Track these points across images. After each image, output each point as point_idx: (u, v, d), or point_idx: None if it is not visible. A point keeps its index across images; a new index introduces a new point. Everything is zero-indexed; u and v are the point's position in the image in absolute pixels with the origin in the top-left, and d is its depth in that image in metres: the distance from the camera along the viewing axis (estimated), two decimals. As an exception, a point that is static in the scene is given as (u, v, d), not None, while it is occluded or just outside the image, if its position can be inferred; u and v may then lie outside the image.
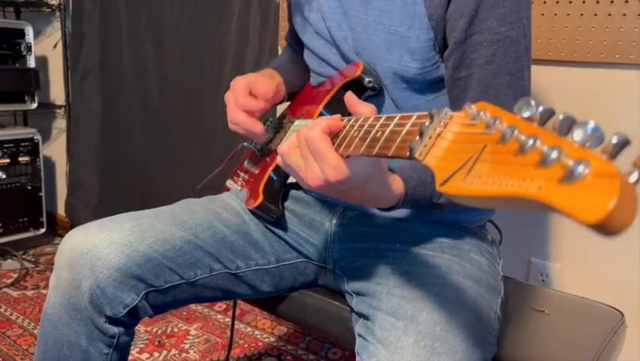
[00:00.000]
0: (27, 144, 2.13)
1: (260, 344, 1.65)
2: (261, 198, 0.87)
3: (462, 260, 0.80)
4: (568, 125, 0.33)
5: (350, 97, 0.63)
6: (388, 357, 0.64)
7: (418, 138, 0.44)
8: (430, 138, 0.43)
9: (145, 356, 1.56)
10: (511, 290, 0.95)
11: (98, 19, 2.09)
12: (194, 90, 1.87)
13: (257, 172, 0.96)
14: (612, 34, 1.13)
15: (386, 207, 0.70)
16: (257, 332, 1.72)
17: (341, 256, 0.89)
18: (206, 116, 1.83)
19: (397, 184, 0.68)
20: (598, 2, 1.14)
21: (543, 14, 1.20)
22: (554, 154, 0.31)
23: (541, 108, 0.35)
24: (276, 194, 0.91)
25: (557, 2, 1.18)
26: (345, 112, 0.63)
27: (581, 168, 0.30)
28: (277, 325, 1.76)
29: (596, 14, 1.14)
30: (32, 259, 2.21)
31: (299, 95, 1.02)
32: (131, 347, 0.89)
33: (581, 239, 1.26)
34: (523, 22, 0.77)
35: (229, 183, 1.05)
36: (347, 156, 0.57)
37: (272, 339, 1.68)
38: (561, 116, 0.33)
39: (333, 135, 0.59)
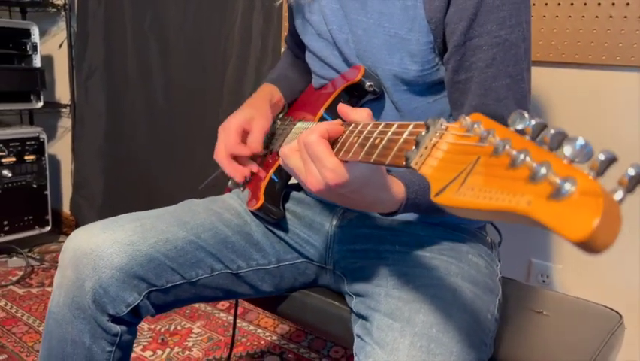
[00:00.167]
0: (33, 142, 2.15)
1: (262, 342, 1.67)
2: (262, 200, 0.88)
3: (460, 262, 0.81)
4: (559, 140, 0.33)
5: (342, 107, 0.64)
6: (384, 358, 0.65)
7: (414, 147, 0.45)
8: (426, 148, 0.44)
9: (148, 353, 1.58)
10: (510, 291, 0.96)
11: (102, 18, 2.11)
12: (198, 90, 1.89)
13: (258, 173, 0.97)
14: (613, 37, 1.13)
15: (388, 211, 0.70)
16: (259, 331, 1.73)
17: (341, 257, 0.90)
18: (210, 115, 1.84)
19: (398, 188, 0.68)
20: (599, 4, 1.14)
21: (545, 16, 1.21)
22: (543, 170, 0.32)
23: (533, 122, 0.36)
24: (277, 196, 0.91)
25: (559, 4, 1.19)
26: None
27: (567, 186, 0.30)
28: (279, 323, 1.77)
29: (597, 16, 1.15)
30: (37, 257, 2.23)
31: (301, 97, 1.03)
32: (135, 345, 0.90)
33: (582, 240, 1.26)
34: (523, 25, 0.77)
35: (231, 183, 1.06)
36: (346, 161, 0.58)
37: (274, 338, 1.69)
38: (552, 131, 0.34)
39: (333, 140, 0.59)
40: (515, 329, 0.86)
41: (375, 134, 0.53)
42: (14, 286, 1.99)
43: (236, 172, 0.89)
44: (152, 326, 1.72)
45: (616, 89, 1.17)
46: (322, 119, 0.88)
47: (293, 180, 0.90)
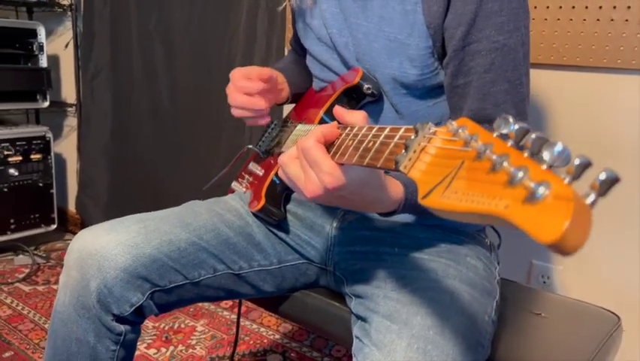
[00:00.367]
0: (39, 141, 2.17)
1: (265, 341, 1.68)
2: (263, 202, 0.90)
3: (458, 264, 0.82)
4: (539, 145, 0.34)
5: (338, 110, 0.65)
6: (382, 359, 0.66)
7: (403, 151, 0.46)
8: (415, 152, 0.45)
9: (152, 351, 1.60)
10: (510, 293, 0.97)
11: (108, 19, 2.13)
12: (203, 90, 1.90)
13: (260, 175, 0.98)
14: (614, 40, 1.14)
15: (387, 211, 0.71)
16: (262, 329, 1.74)
17: (341, 259, 0.91)
18: (215, 116, 1.86)
19: (397, 188, 0.69)
20: (601, 8, 1.14)
21: (546, 19, 1.21)
22: (520, 175, 0.33)
23: (517, 126, 0.37)
24: (279, 197, 0.93)
25: (560, 7, 1.19)
26: None
27: (541, 190, 0.31)
28: (282, 322, 1.78)
29: (598, 19, 1.15)
30: (43, 255, 2.26)
31: (302, 99, 1.04)
32: (139, 343, 0.92)
33: (582, 242, 1.26)
34: (521, 30, 0.78)
35: (234, 185, 1.07)
36: (342, 164, 0.59)
37: (277, 336, 1.71)
38: (533, 136, 0.35)
39: (330, 143, 0.60)
40: (513, 331, 0.87)
41: (369, 137, 0.54)
42: (21, 284, 2.01)
43: (255, 102, 0.87)
44: (156, 324, 1.74)
45: (617, 92, 1.17)
46: (322, 121, 0.90)
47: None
